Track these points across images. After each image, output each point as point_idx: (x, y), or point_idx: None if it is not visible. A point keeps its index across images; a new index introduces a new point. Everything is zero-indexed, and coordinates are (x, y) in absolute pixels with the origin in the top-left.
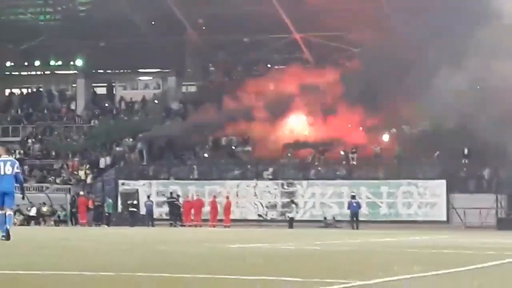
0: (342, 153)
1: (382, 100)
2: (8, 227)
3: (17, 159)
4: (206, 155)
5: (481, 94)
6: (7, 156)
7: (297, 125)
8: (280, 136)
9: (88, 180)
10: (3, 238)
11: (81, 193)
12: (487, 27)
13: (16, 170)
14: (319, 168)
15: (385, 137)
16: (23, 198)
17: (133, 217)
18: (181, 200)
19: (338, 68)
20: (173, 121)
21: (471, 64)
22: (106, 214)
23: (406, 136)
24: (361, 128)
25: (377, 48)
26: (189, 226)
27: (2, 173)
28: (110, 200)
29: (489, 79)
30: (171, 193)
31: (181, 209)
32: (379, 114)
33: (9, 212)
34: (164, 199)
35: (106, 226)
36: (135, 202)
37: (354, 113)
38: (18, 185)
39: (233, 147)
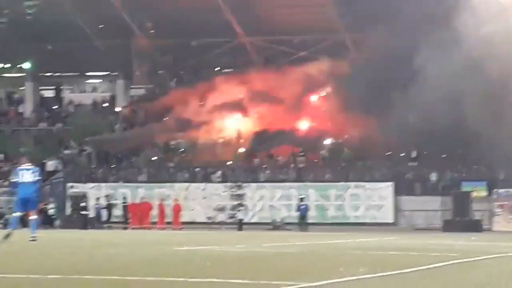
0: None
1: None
2: (35, 229)
3: None
4: (155, 158)
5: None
6: (29, 164)
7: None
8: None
9: None
10: (32, 240)
11: None
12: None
13: (37, 177)
14: (267, 171)
15: (327, 141)
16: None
17: (83, 220)
18: (130, 202)
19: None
20: (122, 124)
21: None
22: (53, 216)
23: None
24: None
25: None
26: (138, 228)
27: (25, 180)
28: (54, 203)
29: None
30: (106, 196)
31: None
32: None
33: (34, 216)
34: (114, 202)
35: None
36: (83, 204)
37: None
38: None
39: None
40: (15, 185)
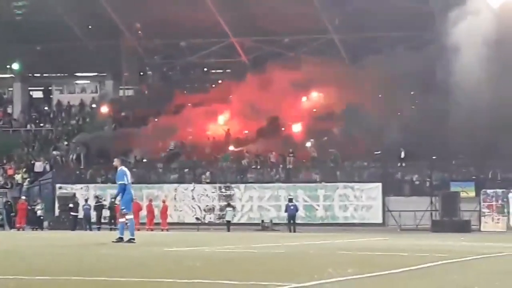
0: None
1: None
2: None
3: None
4: (144, 160)
5: None
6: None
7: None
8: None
9: (25, 184)
10: (133, 241)
11: (23, 197)
12: None
13: None
14: (258, 167)
15: (308, 144)
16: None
17: (73, 221)
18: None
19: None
20: (111, 125)
21: None
22: (41, 217)
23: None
24: None
25: None
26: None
27: (131, 181)
28: (42, 204)
29: None
30: (96, 196)
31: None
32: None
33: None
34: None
35: (40, 230)
36: (71, 205)
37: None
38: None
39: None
40: (122, 186)
